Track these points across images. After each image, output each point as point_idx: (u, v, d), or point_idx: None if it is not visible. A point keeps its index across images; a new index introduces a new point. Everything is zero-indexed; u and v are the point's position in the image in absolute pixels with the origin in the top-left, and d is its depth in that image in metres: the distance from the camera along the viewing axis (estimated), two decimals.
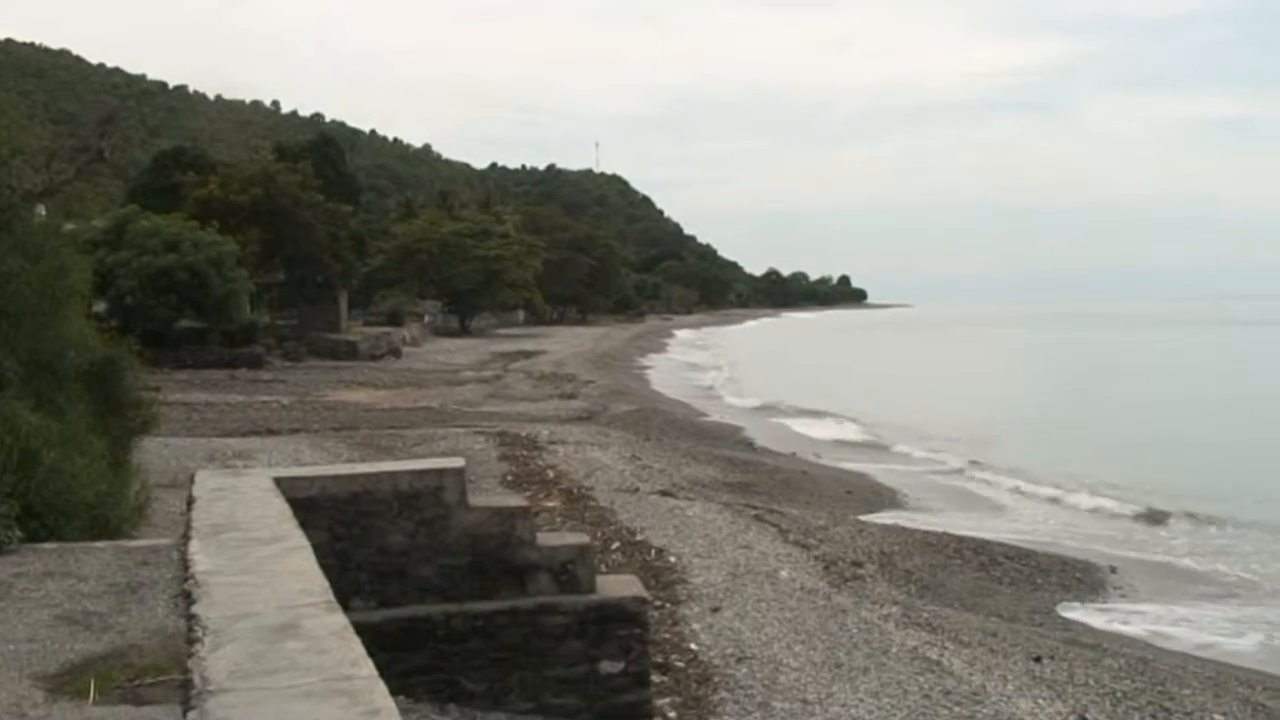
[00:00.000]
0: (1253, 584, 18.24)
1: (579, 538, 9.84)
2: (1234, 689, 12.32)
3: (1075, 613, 15.95)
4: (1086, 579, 17.74)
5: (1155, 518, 23.10)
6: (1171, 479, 27.67)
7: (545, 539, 9.29)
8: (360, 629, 4.16)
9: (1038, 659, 12.22)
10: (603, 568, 12.69)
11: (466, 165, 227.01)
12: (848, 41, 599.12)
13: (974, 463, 30.76)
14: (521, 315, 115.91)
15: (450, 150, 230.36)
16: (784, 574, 14.53)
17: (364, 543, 8.44)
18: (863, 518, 21.04)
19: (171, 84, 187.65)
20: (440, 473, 8.80)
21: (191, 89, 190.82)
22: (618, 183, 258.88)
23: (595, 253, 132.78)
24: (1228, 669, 13.65)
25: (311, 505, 8.05)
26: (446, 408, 35.73)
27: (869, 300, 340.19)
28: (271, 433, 27.37)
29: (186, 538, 6.18)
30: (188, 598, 4.66)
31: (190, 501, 7.16)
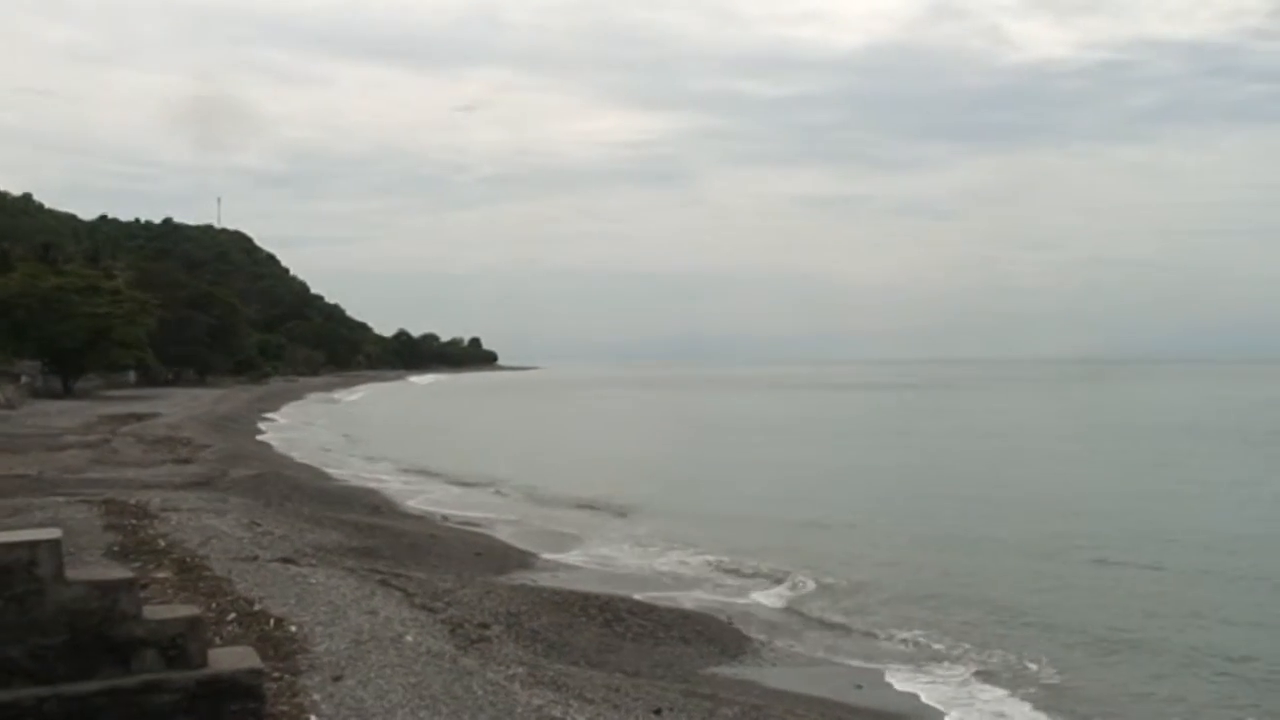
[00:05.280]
0: (852, 628, 19.54)
1: (189, 610, 9.31)
2: None
3: (695, 664, 16.53)
4: (706, 632, 18.42)
5: (766, 575, 24.24)
6: (789, 539, 29.20)
7: (153, 612, 8.73)
8: None
9: (658, 711, 12.56)
10: (217, 640, 12.08)
11: (73, 217, 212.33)
12: (476, 105, 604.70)
13: (599, 519, 31.55)
14: (133, 376, 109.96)
15: (54, 200, 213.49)
16: (409, 638, 14.29)
17: None
18: (492, 579, 21.05)
19: None
20: (32, 545, 8.11)
21: None
22: (241, 239, 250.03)
23: (215, 311, 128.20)
24: (834, 709, 14.53)
25: None
26: (45, 475, 33.15)
27: (499, 362, 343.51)
28: None
29: None
30: None
31: None
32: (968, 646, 18.13)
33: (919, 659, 17.59)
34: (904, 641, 18.57)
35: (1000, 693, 15.93)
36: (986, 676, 16.59)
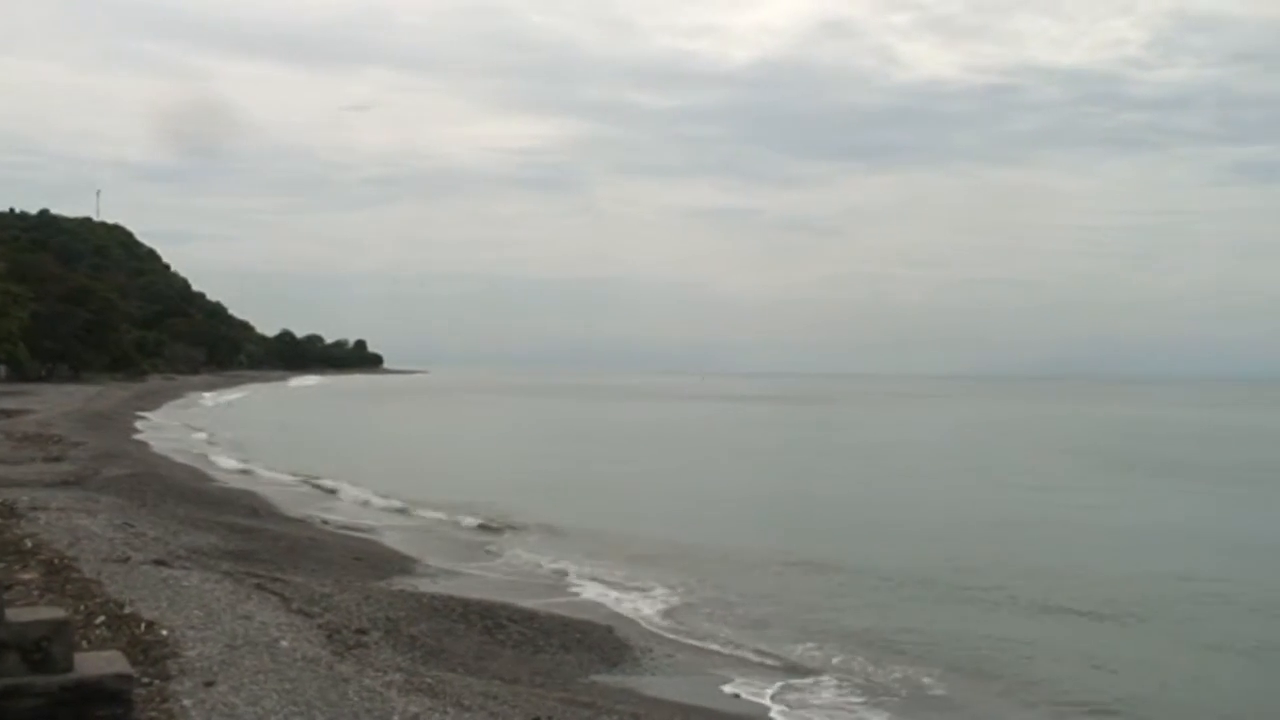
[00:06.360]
0: (733, 639, 19.70)
1: (55, 612, 9.05)
2: None
3: (575, 672, 16.53)
4: (587, 640, 18.43)
5: (647, 585, 24.30)
6: (671, 551, 29.28)
7: (16, 614, 8.47)
8: None
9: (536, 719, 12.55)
10: (85, 644, 11.77)
11: None
12: (364, 106, 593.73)
13: (482, 528, 31.46)
14: (3, 371, 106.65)
15: None
16: (285, 644, 14.08)
17: None
18: (371, 584, 20.83)
19: None
20: None
21: None
22: (121, 234, 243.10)
23: (92, 306, 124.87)
24: (713, 718, 14.65)
25: None
26: None
27: (385, 365, 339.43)
28: None
29: None
30: None
31: None
32: (861, 660, 18.27)
33: (797, 670, 17.77)
34: (784, 653, 18.72)
35: (860, 700, 16.23)
36: (867, 690, 16.81)
